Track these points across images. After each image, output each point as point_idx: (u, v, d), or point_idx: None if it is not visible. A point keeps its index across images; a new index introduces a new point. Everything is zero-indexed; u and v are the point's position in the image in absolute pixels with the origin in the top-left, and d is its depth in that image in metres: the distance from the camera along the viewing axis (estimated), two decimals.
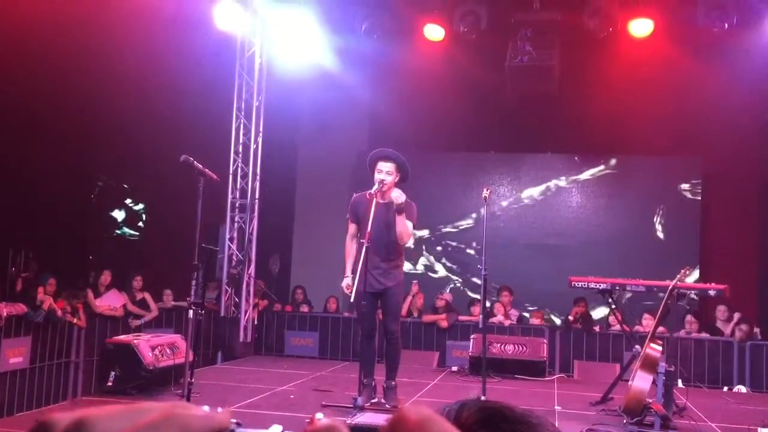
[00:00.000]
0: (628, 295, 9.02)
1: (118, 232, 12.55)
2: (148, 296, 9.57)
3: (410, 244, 9.36)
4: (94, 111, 10.38)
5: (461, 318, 9.79)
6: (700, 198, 11.56)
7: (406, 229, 5.86)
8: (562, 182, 12.17)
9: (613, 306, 7.17)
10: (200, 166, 5.24)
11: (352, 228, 6.14)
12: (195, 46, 9.63)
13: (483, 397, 5.88)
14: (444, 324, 9.59)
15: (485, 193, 6.23)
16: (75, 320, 8.25)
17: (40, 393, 7.58)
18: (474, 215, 12.03)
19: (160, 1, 8.32)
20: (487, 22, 9.10)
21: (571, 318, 9.63)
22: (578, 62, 10.08)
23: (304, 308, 10.64)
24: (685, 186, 11.65)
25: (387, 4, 9.19)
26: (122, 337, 6.86)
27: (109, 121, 10.66)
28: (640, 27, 9.00)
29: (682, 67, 9.90)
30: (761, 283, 10.93)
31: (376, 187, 5.79)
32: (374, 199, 5.75)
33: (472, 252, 12.08)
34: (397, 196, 5.73)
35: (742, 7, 8.64)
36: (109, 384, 6.23)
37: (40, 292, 7.92)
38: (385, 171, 5.86)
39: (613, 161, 11.97)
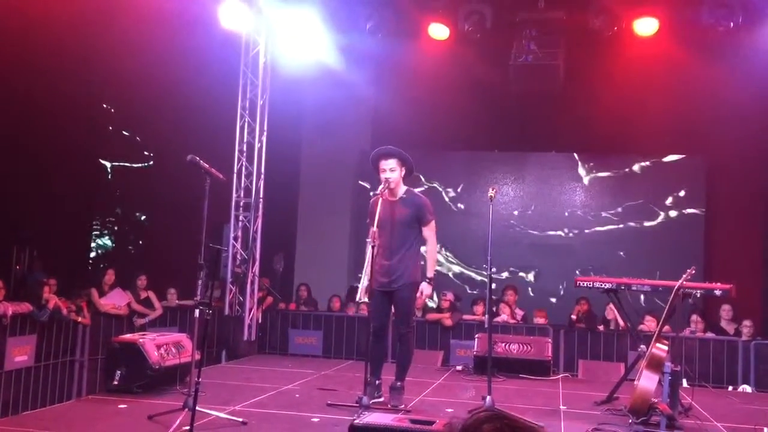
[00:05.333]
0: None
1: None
2: (152, 295, 9.58)
3: None
4: (99, 108, 10.40)
5: (465, 317, 9.78)
6: (704, 197, 11.57)
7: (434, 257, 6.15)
8: (566, 181, 12.18)
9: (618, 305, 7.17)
10: (206, 165, 5.23)
11: (371, 232, 6.05)
12: (200, 44, 9.63)
13: (488, 397, 5.88)
14: (448, 322, 9.59)
15: (491, 192, 6.21)
16: (80, 319, 8.26)
17: (45, 391, 7.60)
18: (477, 214, 12.01)
19: (165, 0, 8.31)
20: (491, 21, 9.08)
21: (574, 317, 9.62)
22: (583, 61, 10.07)
23: (310, 307, 10.65)
24: (689, 184, 11.67)
25: (392, 3, 9.17)
26: (128, 336, 6.86)
27: (114, 118, 10.67)
28: (645, 26, 8.98)
29: (686, 66, 9.87)
30: (766, 282, 10.91)
31: (382, 186, 5.79)
32: (380, 198, 5.75)
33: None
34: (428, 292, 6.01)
35: (747, 7, 8.61)
36: (115, 383, 6.23)
37: (46, 291, 7.94)
38: (389, 168, 5.86)
39: (617, 160, 11.98)
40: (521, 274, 11.92)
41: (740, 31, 8.76)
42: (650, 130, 10.99)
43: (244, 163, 9.83)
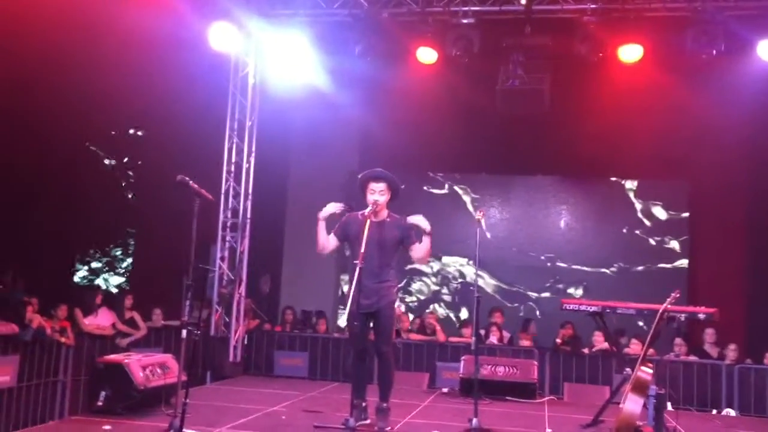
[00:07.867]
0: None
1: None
2: (137, 315, 9.51)
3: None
4: (87, 129, 10.38)
5: (453, 339, 9.81)
6: (687, 222, 11.69)
7: (430, 250, 5.98)
8: (551, 204, 12.27)
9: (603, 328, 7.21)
10: (196, 186, 5.24)
11: (331, 237, 6.09)
12: (189, 65, 9.67)
13: (475, 420, 5.88)
14: (442, 337, 9.66)
15: (478, 215, 6.26)
16: (63, 339, 8.19)
17: (27, 412, 7.49)
18: (464, 237, 12.06)
19: (155, 21, 8.35)
20: (479, 46, 9.18)
21: (558, 341, 9.66)
22: (568, 86, 10.19)
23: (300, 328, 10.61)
24: (672, 209, 11.79)
25: (381, 27, 9.26)
26: (113, 357, 6.81)
27: (102, 139, 10.65)
28: (630, 52, 9.10)
29: (670, 92, 10.02)
30: (749, 307, 11.00)
31: (369, 208, 5.82)
32: (368, 220, 5.77)
33: (462, 271, 12.12)
34: (423, 223, 5.81)
35: (730, 34, 8.76)
36: (99, 404, 6.17)
37: (29, 311, 7.87)
38: (378, 191, 5.91)
39: (602, 184, 12.09)
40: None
41: (722, 58, 8.92)
42: (635, 154, 11.12)
43: (231, 184, 9.84)
